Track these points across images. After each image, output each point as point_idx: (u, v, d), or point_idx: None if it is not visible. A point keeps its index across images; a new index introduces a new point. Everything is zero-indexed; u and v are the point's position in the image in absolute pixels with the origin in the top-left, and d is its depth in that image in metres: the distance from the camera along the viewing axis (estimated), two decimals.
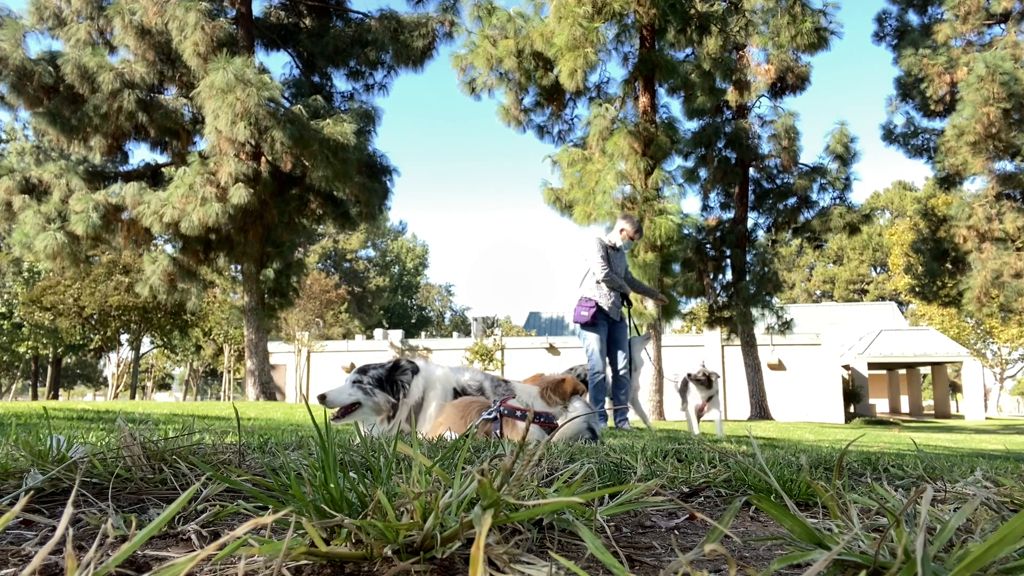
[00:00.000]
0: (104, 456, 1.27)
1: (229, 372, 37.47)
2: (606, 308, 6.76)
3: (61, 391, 46.66)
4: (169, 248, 17.80)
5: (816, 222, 20.58)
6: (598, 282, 6.82)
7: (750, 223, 21.20)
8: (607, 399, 6.89)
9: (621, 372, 6.90)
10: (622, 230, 7.04)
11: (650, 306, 14.09)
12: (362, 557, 0.76)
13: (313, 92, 17.71)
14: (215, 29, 15.10)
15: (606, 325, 6.82)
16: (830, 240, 22.76)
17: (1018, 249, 18.52)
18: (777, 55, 19.48)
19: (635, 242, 7.34)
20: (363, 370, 3.71)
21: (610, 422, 6.63)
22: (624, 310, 7.12)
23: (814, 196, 20.69)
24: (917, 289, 24.52)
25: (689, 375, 6.62)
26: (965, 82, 18.16)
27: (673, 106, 24.78)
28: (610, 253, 6.98)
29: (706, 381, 6.49)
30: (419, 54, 18.41)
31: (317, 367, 29.97)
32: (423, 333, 53.31)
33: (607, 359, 6.87)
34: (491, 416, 2.99)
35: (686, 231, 16.32)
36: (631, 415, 7.23)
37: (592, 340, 6.73)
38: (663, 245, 13.82)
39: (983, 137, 17.98)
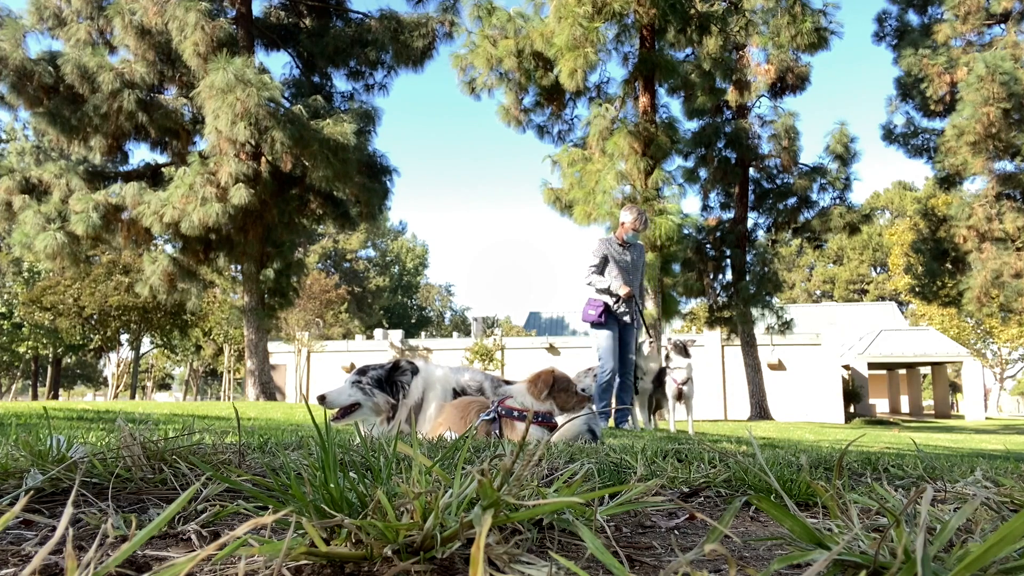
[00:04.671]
0: (104, 456, 1.27)
1: (229, 372, 37.46)
2: (612, 308, 6.72)
3: (61, 391, 46.64)
4: (169, 248, 17.79)
5: (816, 222, 20.59)
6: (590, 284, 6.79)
7: (750, 223, 21.21)
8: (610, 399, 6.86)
9: (625, 374, 6.86)
10: (622, 223, 6.85)
11: (650, 305, 14.10)
12: (362, 557, 0.76)
13: (313, 92, 17.71)
14: (215, 29, 15.09)
15: (616, 325, 6.70)
16: (830, 240, 22.79)
17: (1018, 249, 18.51)
18: (777, 55, 19.49)
19: (640, 233, 6.96)
20: (363, 371, 3.71)
21: (610, 422, 6.62)
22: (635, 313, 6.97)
23: (814, 196, 20.70)
24: (917, 289, 24.51)
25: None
26: (965, 82, 18.16)
27: (673, 106, 24.74)
28: (618, 252, 6.80)
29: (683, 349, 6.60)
30: (419, 54, 18.41)
31: (317, 367, 29.96)
32: (423, 333, 53.30)
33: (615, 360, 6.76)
34: (490, 416, 2.99)
35: (686, 231, 16.29)
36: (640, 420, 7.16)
37: (602, 338, 6.60)
38: (663, 245, 13.81)
39: (983, 137, 17.97)
